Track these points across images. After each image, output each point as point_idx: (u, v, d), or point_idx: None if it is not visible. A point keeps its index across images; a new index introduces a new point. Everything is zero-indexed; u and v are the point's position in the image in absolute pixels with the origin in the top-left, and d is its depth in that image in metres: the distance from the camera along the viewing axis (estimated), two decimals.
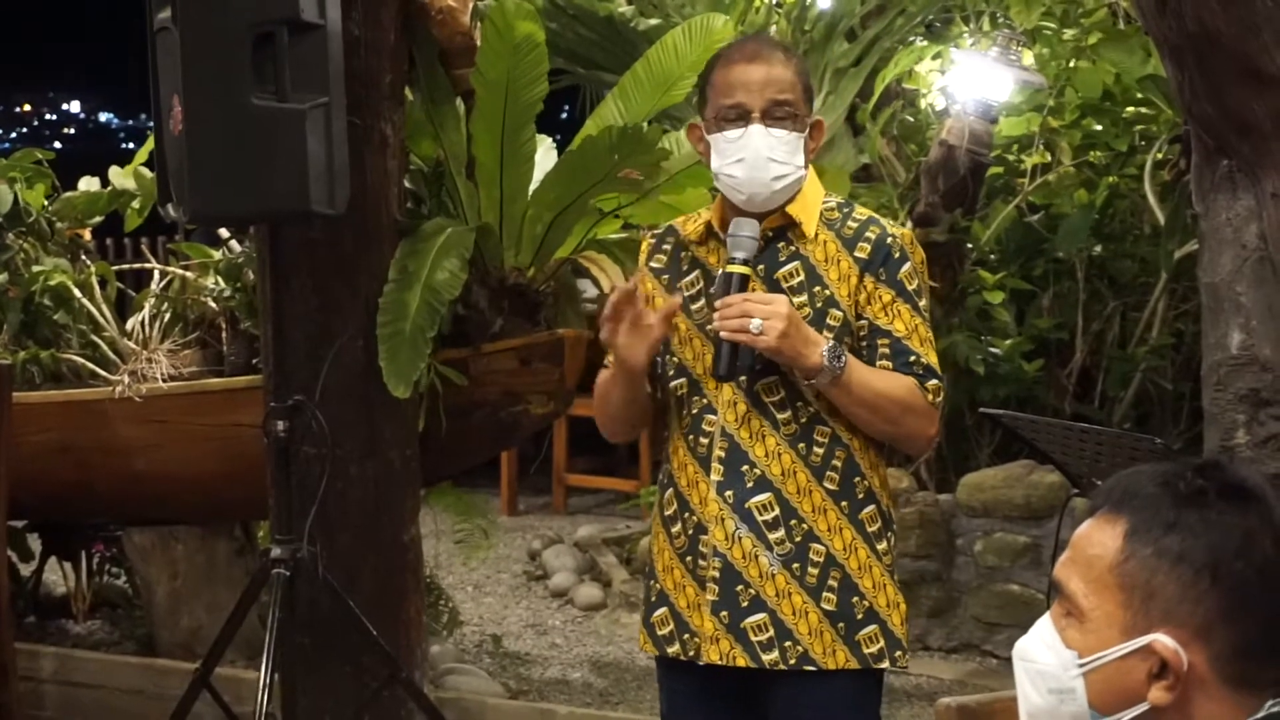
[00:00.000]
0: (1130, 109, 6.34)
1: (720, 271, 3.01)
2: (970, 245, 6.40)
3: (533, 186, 4.79)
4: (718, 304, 2.96)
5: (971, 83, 6.17)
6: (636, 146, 4.45)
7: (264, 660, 3.92)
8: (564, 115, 10.40)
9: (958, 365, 6.00)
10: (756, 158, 2.99)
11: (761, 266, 3.04)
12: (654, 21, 6.78)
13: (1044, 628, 1.81)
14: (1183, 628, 1.69)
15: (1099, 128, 6.43)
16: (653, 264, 3.20)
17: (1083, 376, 6.62)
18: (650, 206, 4.87)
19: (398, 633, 4.55)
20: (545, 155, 5.06)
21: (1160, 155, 6.12)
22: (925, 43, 6.89)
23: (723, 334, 2.93)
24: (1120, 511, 1.75)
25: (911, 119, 7.05)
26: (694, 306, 3.11)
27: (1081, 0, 6.41)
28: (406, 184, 4.72)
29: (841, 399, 2.98)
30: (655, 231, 3.29)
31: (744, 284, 2.96)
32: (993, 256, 6.60)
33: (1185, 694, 1.70)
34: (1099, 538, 1.76)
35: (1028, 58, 6.36)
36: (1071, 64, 6.28)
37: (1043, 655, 1.80)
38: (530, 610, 6.71)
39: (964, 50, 6.48)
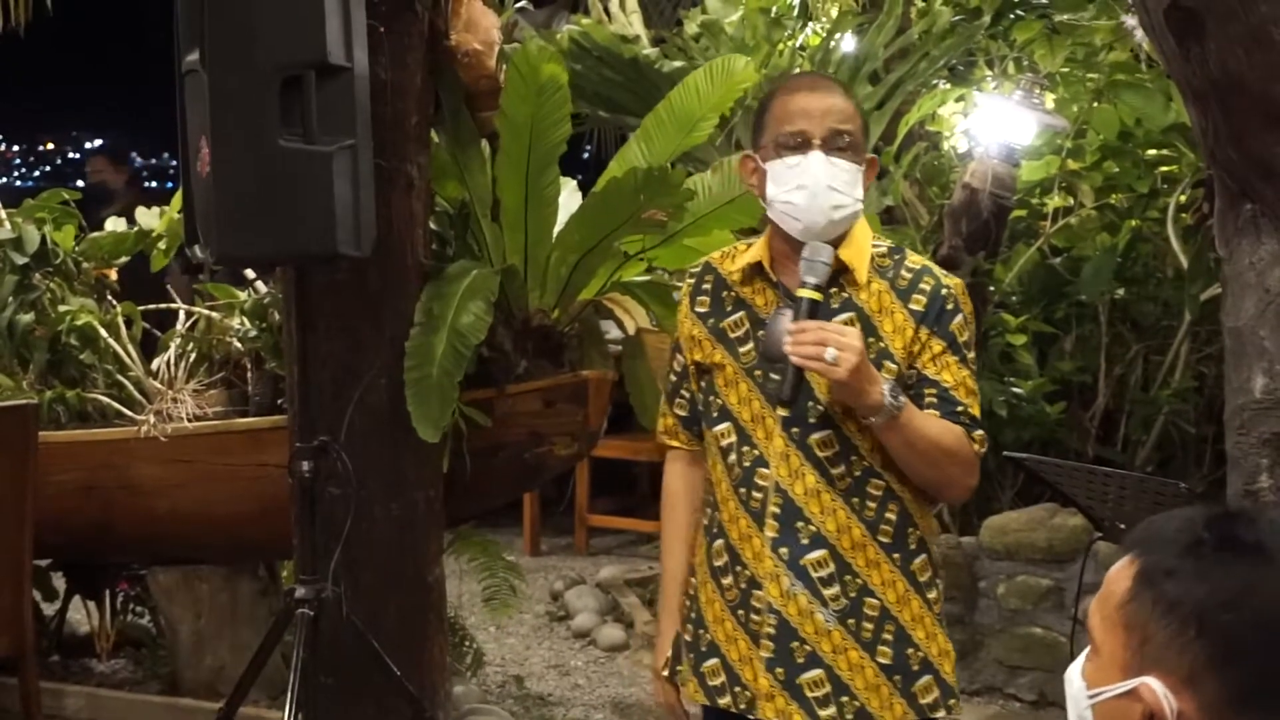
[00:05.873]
0: (1151, 151, 6.34)
1: (801, 297, 2.89)
2: (993, 288, 6.40)
3: (557, 228, 4.80)
4: (792, 327, 2.84)
5: (994, 126, 6.18)
6: (661, 187, 4.46)
7: (288, 700, 3.92)
8: (585, 155, 10.43)
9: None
10: (817, 185, 2.91)
11: None
12: (678, 64, 6.79)
13: (1082, 656, 1.85)
14: (1172, 674, 1.71)
15: (1119, 170, 6.43)
16: (697, 309, 3.13)
17: (1105, 419, 6.60)
18: (675, 250, 4.89)
19: (421, 673, 4.55)
20: (569, 197, 5.08)
21: (1183, 198, 6.12)
22: (948, 86, 6.90)
23: (794, 359, 2.83)
24: (1139, 553, 1.78)
25: (934, 162, 7.06)
26: (742, 350, 3.04)
27: (1094, 41, 6.41)
28: (432, 225, 4.74)
29: (894, 441, 2.91)
30: (692, 271, 3.20)
31: (816, 310, 2.89)
32: (1015, 299, 6.59)
33: None
34: (1117, 576, 1.80)
35: (1050, 101, 6.37)
36: (1093, 105, 6.29)
37: (1073, 681, 1.85)
38: (553, 651, 6.70)
39: (987, 93, 6.49)
